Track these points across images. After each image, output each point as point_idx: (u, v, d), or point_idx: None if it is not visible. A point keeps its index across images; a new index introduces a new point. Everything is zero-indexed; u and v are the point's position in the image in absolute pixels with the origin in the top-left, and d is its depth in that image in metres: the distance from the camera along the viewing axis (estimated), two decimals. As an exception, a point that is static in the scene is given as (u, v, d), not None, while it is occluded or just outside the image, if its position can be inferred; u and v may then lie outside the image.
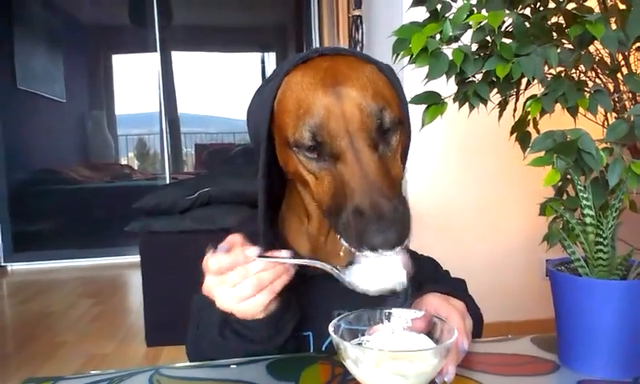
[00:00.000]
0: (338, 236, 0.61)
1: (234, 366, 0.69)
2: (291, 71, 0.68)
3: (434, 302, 0.68)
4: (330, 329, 0.60)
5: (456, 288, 0.79)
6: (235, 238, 0.64)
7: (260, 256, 0.61)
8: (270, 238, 0.72)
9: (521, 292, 2.19)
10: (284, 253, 0.63)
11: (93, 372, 0.69)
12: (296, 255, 0.75)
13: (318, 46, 4.81)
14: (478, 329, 0.81)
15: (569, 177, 0.79)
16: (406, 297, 0.81)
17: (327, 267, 0.63)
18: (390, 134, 0.64)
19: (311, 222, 0.75)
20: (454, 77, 0.88)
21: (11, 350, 2.72)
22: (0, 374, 2.32)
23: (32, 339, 2.75)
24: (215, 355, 0.71)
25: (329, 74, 0.64)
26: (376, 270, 0.60)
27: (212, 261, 0.61)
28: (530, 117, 1.02)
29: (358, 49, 3.01)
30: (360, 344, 0.63)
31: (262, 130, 0.68)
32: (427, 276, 0.88)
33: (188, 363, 0.73)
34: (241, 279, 0.61)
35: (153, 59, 4.70)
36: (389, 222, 0.56)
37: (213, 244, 0.64)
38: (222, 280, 0.61)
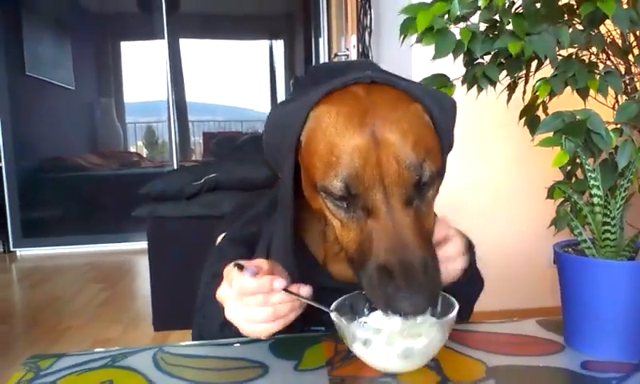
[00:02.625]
0: (362, 290, 0.60)
1: (238, 345, 0.69)
2: (322, 101, 0.61)
3: (437, 227, 0.65)
4: (332, 316, 0.60)
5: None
6: (263, 263, 0.64)
7: (284, 289, 0.61)
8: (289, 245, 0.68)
9: (528, 280, 2.18)
10: (306, 289, 0.62)
11: (97, 349, 0.69)
12: (312, 260, 0.75)
13: (326, 33, 4.78)
14: (476, 289, 0.80)
15: (578, 161, 0.78)
16: None
17: (335, 319, 0.60)
18: (427, 187, 0.59)
19: (329, 228, 0.70)
20: (462, 58, 0.87)
21: (20, 333, 2.76)
22: (8, 356, 2.35)
23: (40, 323, 2.78)
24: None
25: (366, 114, 0.57)
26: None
27: (237, 281, 0.61)
28: (539, 100, 1.01)
29: (367, 35, 2.98)
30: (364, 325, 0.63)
31: (288, 164, 0.62)
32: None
33: (191, 342, 0.73)
34: (257, 305, 0.61)
35: (161, 46, 4.70)
36: (418, 285, 0.53)
37: (236, 258, 0.64)
38: (240, 298, 0.61)
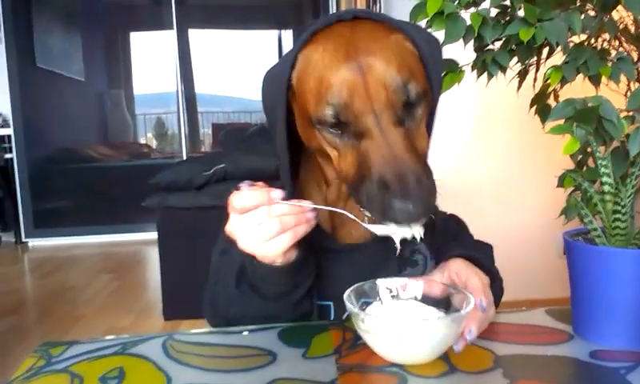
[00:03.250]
0: (361, 208, 0.61)
1: (247, 333, 0.69)
2: (310, 42, 0.65)
3: (457, 266, 0.67)
4: (345, 300, 0.60)
5: (483, 253, 0.77)
6: (258, 182, 0.63)
7: (284, 200, 0.61)
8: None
9: (538, 270, 2.17)
10: (307, 202, 0.63)
11: (108, 337, 0.70)
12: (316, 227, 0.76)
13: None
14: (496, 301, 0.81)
15: (589, 150, 0.77)
16: (426, 263, 0.81)
17: (347, 214, 0.64)
18: (415, 107, 0.62)
19: (330, 189, 0.74)
20: (472, 43, 0.86)
21: (32, 322, 2.79)
22: (22, 345, 2.38)
23: (52, 312, 2.81)
24: (231, 312, 0.72)
25: (350, 46, 0.61)
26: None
27: (237, 198, 0.60)
28: (550, 89, 0.99)
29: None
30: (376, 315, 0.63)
31: (281, 106, 0.66)
32: (451, 235, 0.87)
33: (201, 330, 0.74)
34: (264, 220, 0.60)
35: (170, 37, 4.70)
36: (414, 196, 0.56)
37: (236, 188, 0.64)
38: (245, 219, 0.60)
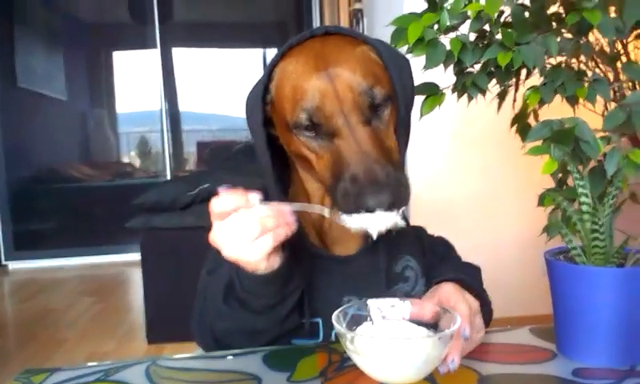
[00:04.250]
0: (339, 211, 0.63)
1: (231, 357, 0.69)
2: (285, 57, 0.71)
3: (448, 291, 0.68)
4: (334, 320, 0.60)
5: (472, 277, 0.79)
6: (237, 188, 0.64)
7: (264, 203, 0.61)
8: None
9: (521, 287, 2.19)
10: (284, 203, 0.64)
11: (90, 363, 0.69)
12: (301, 239, 0.76)
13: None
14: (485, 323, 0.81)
15: (569, 168, 0.79)
16: (416, 279, 0.81)
17: (326, 210, 0.66)
18: (381, 109, 0.67)
19: (310, 175, 0.76)
20: (452, 67, 0.87)
21: (13, 347, 2.73)
22: (2, 370, 2.33)
23: (33, 337, 2.75)
24: (219, 327, 0.72)
25: (320, 58, 0.67)
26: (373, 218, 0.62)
27: (216, 203, 0.61)
28: (529, 109, 1.02)
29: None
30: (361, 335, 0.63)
31: (257, 110, 0.71)
32: (439, 257, 0.89)
33: (185, 354, 0.73)
34: (243, 222, 0.60)
35: (153, 56, 4.70)
36: (382, 184, 0.59)
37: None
38: (225, 224, 0.60)
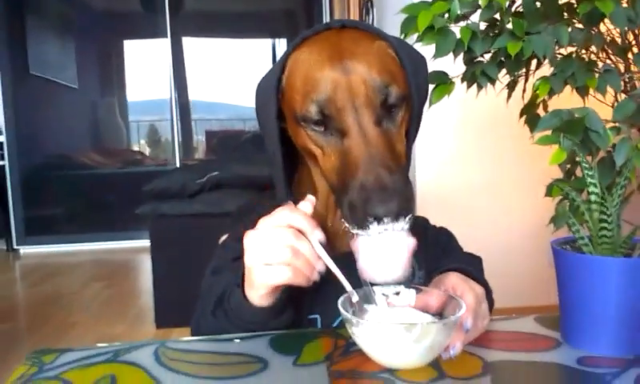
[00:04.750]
0: (343, 220, 0.62)
1: (238, 341, 0.69)
2: (299, 47, 0.69)
3: (453, 280, 0.68)
4: (339, 305, 0.61)
5: (475, 267, 0.78)
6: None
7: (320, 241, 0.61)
8: None
9: (528, 277, 2.18)
10: (327, 257, 0.62)
11: (99, 344, 0.70)
12: None
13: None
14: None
15: (577, 159, 0.78)
16: (414, 271, 0.81)
17: (354, 296, 0.64)
18: (395, 110, 0.65)
19: (319, 199, 0.75)
20: (462, 56, 0.87)
21: (24, 330, 2.77)
22: (13, 354, 2.37)
23: (44, 321, 2.79)
24: (209, 334, 0.72)
25: (335, 49, 0.65)
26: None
27: (287, 213, 0.61)
28: (539, 99, 1.01)
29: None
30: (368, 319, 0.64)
31: (272, 104, 0.69)
32: (442, 247, 0.89)
33: (193, 338, 0.74)
34: (284, 246, 0.60)
35: (164, 45, 4.72)
36: (391, 191, 0.58)
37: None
38: (271, 235, 0.60)
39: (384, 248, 0.60)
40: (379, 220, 0.57)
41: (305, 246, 0.61)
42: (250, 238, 0.62)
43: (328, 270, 0.63)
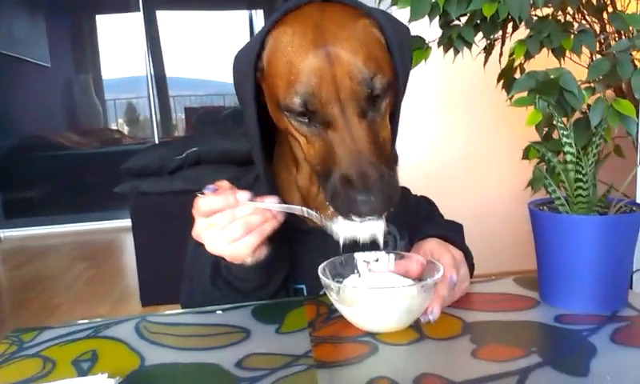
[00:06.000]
0: (326, 201, 0.62)
1: (220, 312, 0.69)
2: (280, 23, 0.65)
3: (431, 245, 0.69)
4: (320, 272, 0.61)
5: (455, 233, 0.79)
6: (223, 182, 0.64)
7: (250, 201, 0.61)
8: (267, 189, 0.72)
9: (509, 243, 2.22)
10: (272, 199, 0.63)
11: (80, 321, 0.70)
12: (286, 204, 0.76)
13: None
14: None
15: (554, 122, 0.79)
16: (395, 243, 0.82)
17: (313, 215, 0.64)
18: (380, 99, 0.63)
19: (300, 172, 0.75)
20: (437, 19, 0.86)
21: (7, 314, 2.75)
22: (-4, 336, 2.34)
23: (27, 303, 2.77)
24: (209, 305, 0.73)
25: (318, 31, 0.62)
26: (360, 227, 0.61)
27: (203, 202, 0.61)
28: (516, 63, 1.01)
29: None
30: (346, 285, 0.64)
31: (249, 83, 0.67)
32: (423, 216, 0.89)
33: (174, 311, 0.74)
34: (229, 222, 0.61)
35: (137, 19, 4.60)
36: (375, 190, 0.57)
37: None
38: (211, 222, 0.61)
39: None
40: (362, 216, 0.58)
41: (245, 209, 0.61)
42: (200, 232, 0.62)
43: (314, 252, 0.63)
